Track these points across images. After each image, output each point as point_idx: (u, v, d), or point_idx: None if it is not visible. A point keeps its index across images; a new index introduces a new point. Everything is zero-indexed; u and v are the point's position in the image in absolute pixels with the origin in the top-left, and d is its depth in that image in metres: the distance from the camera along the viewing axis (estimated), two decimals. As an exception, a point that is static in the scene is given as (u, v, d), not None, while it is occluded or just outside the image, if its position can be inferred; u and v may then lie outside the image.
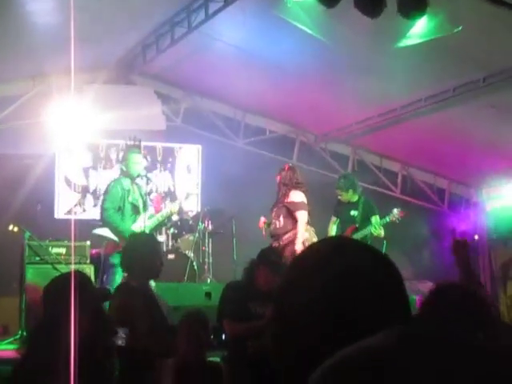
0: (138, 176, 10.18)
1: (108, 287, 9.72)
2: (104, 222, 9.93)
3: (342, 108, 13.27)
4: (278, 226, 10.33)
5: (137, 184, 10.14)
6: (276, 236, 10.33)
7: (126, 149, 10.66)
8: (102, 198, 10.13)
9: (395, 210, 10.76)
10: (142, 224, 9.83)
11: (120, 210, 9.81)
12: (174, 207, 10.51)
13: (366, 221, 10.82)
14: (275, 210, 10.44)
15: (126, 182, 9.95)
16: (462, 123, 12.61)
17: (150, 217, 10.05)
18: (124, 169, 10.09)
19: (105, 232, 9.76)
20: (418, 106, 12.50)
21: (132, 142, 10.57)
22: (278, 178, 10.49)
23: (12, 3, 9.06)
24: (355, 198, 11.04)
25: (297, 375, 1.50)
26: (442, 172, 15.72)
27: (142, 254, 6.83)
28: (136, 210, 9.95)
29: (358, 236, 10.50)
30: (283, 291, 1.61)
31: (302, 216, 10.21)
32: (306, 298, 1.51)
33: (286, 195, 10.33)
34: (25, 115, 12.64)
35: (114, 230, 9.73)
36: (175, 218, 12.21)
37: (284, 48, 11.02)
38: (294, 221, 10.19)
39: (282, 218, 10.28)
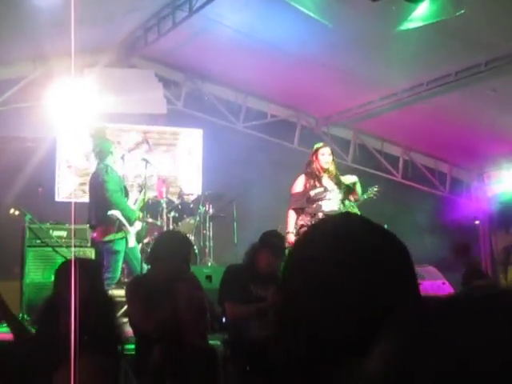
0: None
1: (111, 275, 9.73)
2: (112, 202, 9.66)
3: (343, 92, 13.25)
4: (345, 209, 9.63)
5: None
6: None
7: (103, 139, 10.55)
8: (100, 180, 9.88)
9: (371, 188, 10.64)
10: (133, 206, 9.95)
11: (122, 193, 9.81)
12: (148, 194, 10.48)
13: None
14: (340, 190, 9.67)
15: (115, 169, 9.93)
16: (464, 107, 12.60)
17: (142, 201, 10.12)
18: (109, 161, 9.95)
19: (118, 214, 9.66)
20: (420, 90, 12.47)
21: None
22: (330, 158, 9.61)
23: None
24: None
25: (305, 364, 1.47)
26: (443, 156, 15.72)
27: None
28: (126, 195, 9.97)
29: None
30: (291, 276, 1.57)
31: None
32: (313, 285, 1.48)
33: (343, 178, 9.78)
34: (26, 98, 12.63)
35: (122, 211, 9.67)
36: (176, 201, 12.21)
37: (286, 31, 10.99)
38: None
39: (347, 202, 9.85)
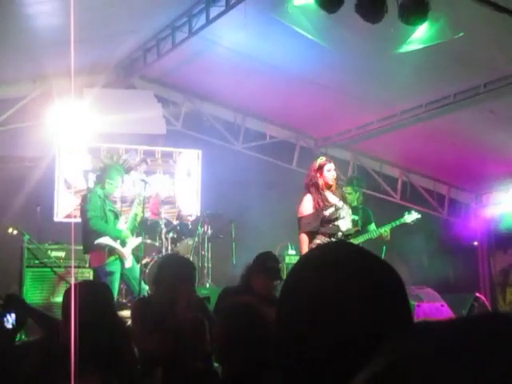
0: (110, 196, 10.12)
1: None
2: (93, 230, 9.68)
3: (342, 113, 13.29)
4: (354, 225, 9.67)
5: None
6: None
7: (112, 166, 10.59)
8: (82, 208, 9.94)
9: (409, 213, 10.63)
10: (123, 225, 9.86)
11: (103, 218, 9.73)
12: (138, 211, 10.38)
13: (364, 227, 10.79)
14: (346, 205, 9.52)
15: (101, 193, 9.86)
16: (462, 129, 12.63)
17: (133, 219, 10.02)
18: (105, 186, 9.94)
19: (106, 240, 9.68)
20: (419, 111, 12.51)
21: (121, 162, 10.46)
22: (335, 173, 9.38)
23: (13, 5, 9.06)
24: (356, 203, 11.02)
25: (300, 380, 1.49)
26: (441, 177, 15.74)
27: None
28: (116, 217, 9.93)
29: (360, 239, 10.49)
30: (285, 296, 1.60)
31: None
32: (306, 305, 1.50)
33: (343, 192, 9.81)
34: (25, 117, 12.66)
35: (109, 235, 9.67)
36: (175, 222, 12.22)
37: (284, 52, 11.04)
38: None
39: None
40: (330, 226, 9.12)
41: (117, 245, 9.65)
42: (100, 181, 10.11)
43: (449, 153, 13.51)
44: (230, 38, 11.03)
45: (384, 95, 12.04)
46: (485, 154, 13.16)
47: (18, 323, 4.73)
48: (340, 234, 9.07)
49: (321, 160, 9.39)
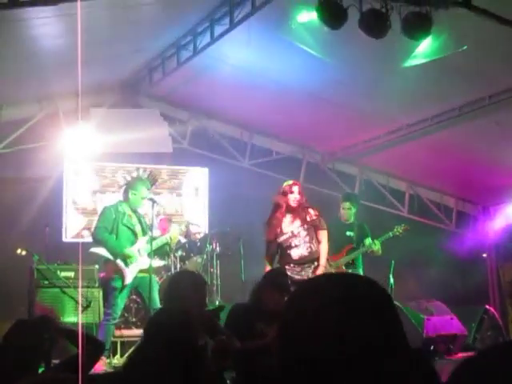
0: (137, 208, 10.11)
1: (110, 311, 9.73)
2: (94, 239, 9.91)
3: (348, 127, 13.30)
4: (314, 250, 9.36)
5: (136, 212, 10.06)
6: (314, 260, 9.35)
7: (136, 179, 10.66)
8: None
9: (398, 226, 10.78)
10: (139, 247, 9.81)
11: (113, 231, 9.74)
12: (174, 233, 10.37)
13: (359, 242, 10.88)
14: (306, 231, 9.36)
15: (122, 207, 9.89)
16: (469, 141, 12.63)
17: (149, 241, 9.89)
18: (129, 196, 9.97)
19: (101, 251, 9.73)
20: (425, 124, 12.52)
21: (146, 175, 10.50)
22: (299, 196, 9.38)
23: (19, 27, 9.11)
24: (352, 219, 11.09)
25: None
26: (448, 190, 15.72)
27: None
28: (133, 234, 9.91)
29: (354, 254, 10.60)
30: (288, 315, 1.71)
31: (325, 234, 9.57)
32: (309, 321, 1.62)
33: (308, 214, 9.47)
34: (32, 138, 12.70)
35: (106, 248, 9.71)
36: (183, 240, 12.22)
37: (289, 69, 11.08)
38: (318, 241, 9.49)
39: (314, 240, 9.37)
40: (286, 253, 9.29)
41: (119, 261, 9.64)
42: (123, 194, 10.15)
43: (455, 165, 13.51)
44: (235, 56, 11.07)
45: (390, 109, 12.06)
46: (491, 165, 13.16)
47: (50, 344, 4.76)
48: (293, 261, 9.21)
49: (287, 183, 9.55)
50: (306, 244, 9.29)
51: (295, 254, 9.24)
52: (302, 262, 9.25)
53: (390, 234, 10.73)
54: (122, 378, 3.83)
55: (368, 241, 10.79)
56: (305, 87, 11.67)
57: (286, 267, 9.12)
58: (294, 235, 9.29)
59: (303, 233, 9.30)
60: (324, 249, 9.37)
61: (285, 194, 9.41)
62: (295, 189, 9.40)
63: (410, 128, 12.87)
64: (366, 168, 15.52)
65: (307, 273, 9.17)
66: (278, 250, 9.41)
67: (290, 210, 9.34)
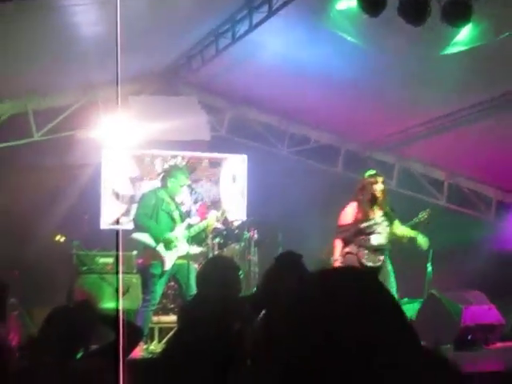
0: (175, 196, 10.19)
1: (148, 297, 9.78)
2: (136, 225, 10.04)
3: (386, 116, 13.23)
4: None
5: (174, 199, 10.14)
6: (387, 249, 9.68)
7: (175, 167, 10.71)
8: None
9: (423, 211, 10.60)
10: (178, 234, 9.88)
11: (152, 217, 9.82)
12: (211, 220, 10.47)
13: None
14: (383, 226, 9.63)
15: (162, 193, 9.97)
16: (508, 130, 12.49)
17: (188, 227, 9.99)
18: (167, 184, 10.05)
19: (143, 237, 9.79)
20: (462, 114, 12.42)
21: (184, 163, 10.55)
22: (382, 185, 9.64)
23: (59, 14, 9.17)
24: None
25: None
26: (488, 180, 15.58)
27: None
28: (172, 220, 9.98)
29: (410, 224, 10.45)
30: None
31: None
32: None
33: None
34: (72, 126, 12.80)
35: (148, 233, 9.78)
36: (221, 227, 12.25)
37: (328, 56, 11.02)
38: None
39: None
40: (362, 237, 9.39)
41: (160, 247, 9.70)
42: (162, 182, 10.28)
43: (495, 154, 13.38)
44: (274, 43, 11.04)
45: (429, 98, 11.96)
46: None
47: (89, 330, 4.81)
48: (370, 246, 9.37)
49: (370, 171, 9.74)
50: (387, 234, 9.58)
51: (374, 239, 9.45)
52: (379, 248, 9.48)
53: (416, 220, 10.55)
54: (160, 364, 3.85)
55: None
56: (342, 76, 11.61)
57: (357, 249, 9.39)
58: (376, 223, 9.50)
59: (385, 223, 9.58)
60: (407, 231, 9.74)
61: (369, 182, 9.59)
62: (379, 179, 9.61)
63: (448, 117, 12.77)
64: (404, 157, 15.43)
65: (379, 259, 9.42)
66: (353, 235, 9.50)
67: (374, 199, 9.52)
